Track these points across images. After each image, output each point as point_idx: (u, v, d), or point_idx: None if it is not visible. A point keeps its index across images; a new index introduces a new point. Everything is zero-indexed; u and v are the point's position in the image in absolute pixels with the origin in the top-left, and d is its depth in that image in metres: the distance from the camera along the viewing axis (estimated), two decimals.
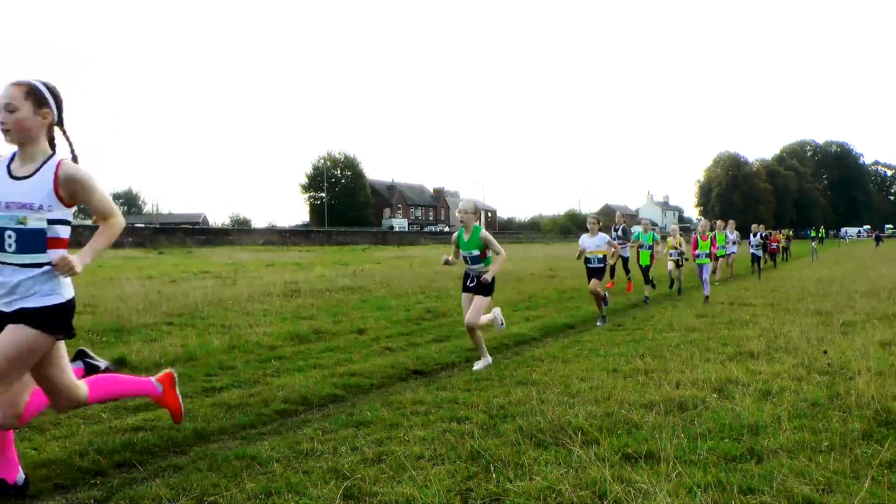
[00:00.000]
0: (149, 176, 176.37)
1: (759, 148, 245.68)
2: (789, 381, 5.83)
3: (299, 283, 15.77)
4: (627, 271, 15.81)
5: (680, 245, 14.94)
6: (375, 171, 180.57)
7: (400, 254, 38.97)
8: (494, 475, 3.81)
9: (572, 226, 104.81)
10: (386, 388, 6.29)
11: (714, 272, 18.08)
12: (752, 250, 22.11)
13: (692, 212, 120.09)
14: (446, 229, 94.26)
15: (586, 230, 15.13)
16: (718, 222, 21.06)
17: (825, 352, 6.88)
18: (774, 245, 27.30)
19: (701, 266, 14.36)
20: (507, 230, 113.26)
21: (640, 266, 14.56)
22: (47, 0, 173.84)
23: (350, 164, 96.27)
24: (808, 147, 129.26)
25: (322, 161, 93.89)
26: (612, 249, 10.91)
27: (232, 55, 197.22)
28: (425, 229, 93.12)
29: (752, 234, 22.54)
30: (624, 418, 4.81)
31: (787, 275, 21.41)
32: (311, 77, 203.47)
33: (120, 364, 6.83)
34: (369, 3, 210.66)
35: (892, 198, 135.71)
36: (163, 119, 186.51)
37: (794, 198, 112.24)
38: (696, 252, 14.52)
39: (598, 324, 10.35)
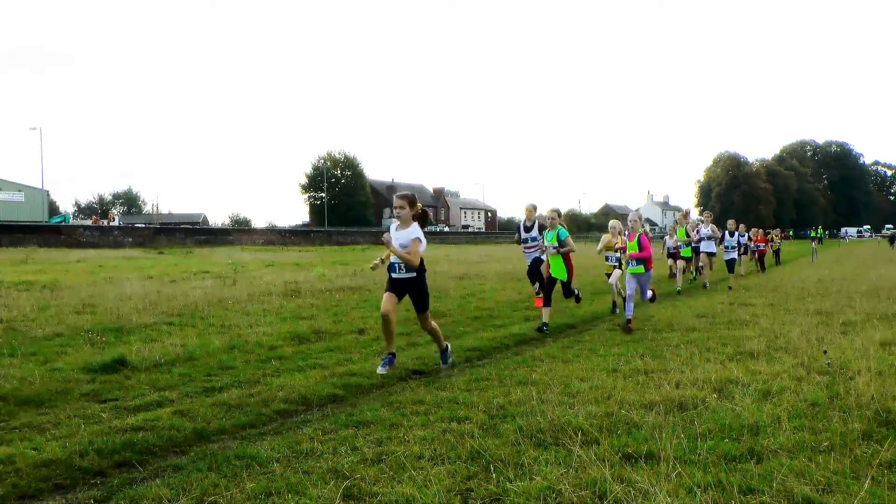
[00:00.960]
0: (149, 176, 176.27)
1: (759, 148, 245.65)
2: (789, 381, 5.83)
3: (299, 283, 15.75)
4: (534, 281, 12.17)
5: (622, 245, 11.10)
6: (375, 171, 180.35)
7: None
8: (494, 475, 3.81)
9: (572, 226, 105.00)
10: (386, 388, 6.29)
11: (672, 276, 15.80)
12: (726, 255, 17.68)
13: (692, 212, 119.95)
14: (446, 229, 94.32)
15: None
16: (679, 215, 17.65)
17: (825, 352, 6.88)
18: (762, 247, 23.81)
19: (632, 276, 9.95)
20: (507, 230, 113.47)
21: (550, 277, 10.38)
22: (46, 0, 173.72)
23: (350, 164, 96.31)
24: (808, 147, 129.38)
25: (322, 161, 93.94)
26: (410, 255, 7.64)
27: (232, 55, 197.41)
28: (425, 229, 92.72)
29: (727, 233, 17.99)
30: (624, 418, 4.81)
31: (787, 275, 21.39)
32: (310, 77, 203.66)
33: (120, 364, 6.83)
34: (369, 3, 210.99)
35: (892, 198, 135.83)
36: (162, 119, 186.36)
37: (794, 198, 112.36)
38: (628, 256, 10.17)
39: (442, 365, 7.29)
